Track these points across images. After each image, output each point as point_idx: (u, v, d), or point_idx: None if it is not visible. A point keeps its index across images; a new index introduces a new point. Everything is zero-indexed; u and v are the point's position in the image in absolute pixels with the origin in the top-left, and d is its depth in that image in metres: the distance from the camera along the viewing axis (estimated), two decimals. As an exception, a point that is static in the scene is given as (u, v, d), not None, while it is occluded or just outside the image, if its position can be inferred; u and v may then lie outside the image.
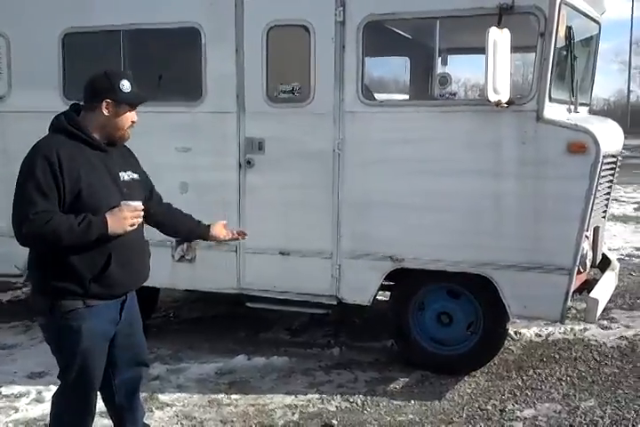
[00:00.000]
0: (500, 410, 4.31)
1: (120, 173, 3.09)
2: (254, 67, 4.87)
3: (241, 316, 6.09)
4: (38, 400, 4.48)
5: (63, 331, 3.01)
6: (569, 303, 4.42)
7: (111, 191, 3.00)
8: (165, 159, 5.09)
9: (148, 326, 5.82)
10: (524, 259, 4.43)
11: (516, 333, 5.68)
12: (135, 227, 2.98)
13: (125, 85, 3.01)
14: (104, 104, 2.99)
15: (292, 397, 4.51)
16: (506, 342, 5.48)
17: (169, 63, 5.19)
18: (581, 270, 4.52)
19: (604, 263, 5.45)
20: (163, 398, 4.50)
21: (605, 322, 6.05)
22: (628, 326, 5.97)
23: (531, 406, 4.37)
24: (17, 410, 4.33)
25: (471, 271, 4.56)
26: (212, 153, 5.05)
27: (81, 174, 2.90)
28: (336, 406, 4.37)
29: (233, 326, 5.97)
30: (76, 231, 2.83)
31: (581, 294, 4.85)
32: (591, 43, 5.44)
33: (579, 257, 4.34)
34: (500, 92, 4.16)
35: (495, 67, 4.09)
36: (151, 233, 5.13)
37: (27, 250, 5.41)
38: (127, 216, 2.93)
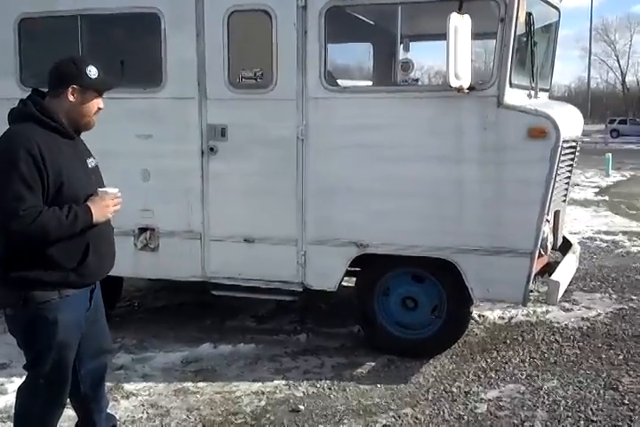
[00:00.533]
0: (465, 392, 4.37)
1: (87, 161, 3.06)
2: (215, 53, 4.82)
3: (206, 304, 6.07)
4: (1, 392, 4.41)
5: (37, 323, 2.93)
6: (531, 286, 4.49)
7: (85, 180, 2.97)
8: (126, 146, 5.04)
9: (111, 315, 5.79)
10: (486, 243, 4.48)
11: (479, 315, 5.77)
12: (114, 214, 2.99)
13: (92, 71, 2.94)
14: (70, 90, 2.91)
15: (259, 383, 4.51)
16: (470, 324, 5.58)
17: (128, 49, 5.10)
18: (542, 254, 4.59)
19: (565, 246, 5.55)
20: (128, 387, 4.47)
21: (567, 304, 6.17)
22: (589, 308, 6.10)
23: (495, 388, 4.44)
24: (-21, 402, 4.26)
25: (435, 256, 4.60)
26: (174, 140, 5.00)
27: (61, 166, 2.84)
28: (303, 392, 4.39)
29: (198, 314, 5.95)
30: (65, 225, 2.80)
31: (543, 276, 4.93)
32: (551, 29, 5.50)
33: (539, 240, 4.40)
34: (462, 77, 4.18)
35: (456, 52, 4.11)
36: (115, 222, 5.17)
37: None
38: (109, 204, 2.93)
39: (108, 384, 4.40)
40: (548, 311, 5.93)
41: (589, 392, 4.35)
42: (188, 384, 4.51)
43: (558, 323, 5.66)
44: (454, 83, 4.16)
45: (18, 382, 4.43)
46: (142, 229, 5.13)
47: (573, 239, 5.82)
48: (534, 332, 5.47)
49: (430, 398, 4.30)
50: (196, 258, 5.08)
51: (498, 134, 4.39)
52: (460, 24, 4.12)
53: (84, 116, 2.99)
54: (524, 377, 4.60)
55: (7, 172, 2.75)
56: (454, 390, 4.41)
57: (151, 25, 4.92)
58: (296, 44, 4.66)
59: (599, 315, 5.89)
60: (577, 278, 7.08)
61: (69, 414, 3.77)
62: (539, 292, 6.03)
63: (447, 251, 4.55)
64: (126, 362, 4.89)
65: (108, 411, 3.49)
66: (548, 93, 5.55)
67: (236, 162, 4.91)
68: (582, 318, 5.79)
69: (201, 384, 4.51)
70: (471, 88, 4.32)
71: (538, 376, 4.61)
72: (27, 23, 5.19)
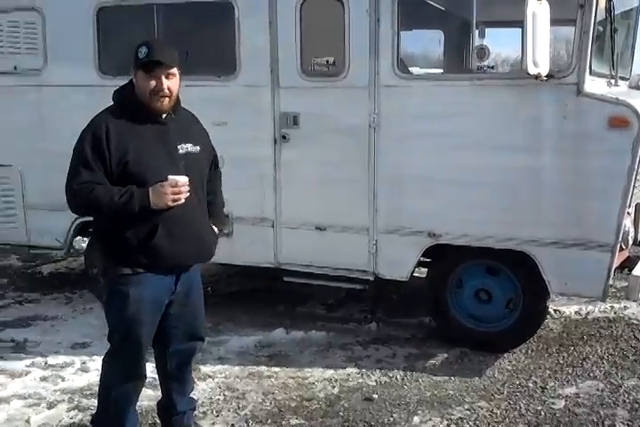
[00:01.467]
0: (542, 387, 4.28)
1: (178, 146, 3.05)
2: (288, 40, 4.80)
3: (277, 290, 6.12)
4: (83, 370, 4.57)
5: (112, 294, 3.11)
6: (610, 281, 4.34)
7: (163, 164, 2.97)
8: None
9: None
10: (564, 235, 4.34)
11: (555, 311, 5.60)
12: (179, 202, 2.95)
13: (142, 51, 2.96)
14: (132, 73, 3.03)
15: (332, 371, 4.53)
16: (545, 319, 5.44)
17: (203, 37, 5.12)
18: (623, 247, 4.42)
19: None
20: (205, 369, 4.56)
21: (647, 299, 5.94)
22: (670, 303, 5.86)
23: (572, 384, 4.33)
24: (63, 379, 4.43)
25: (511, 248, 4.49)
26: (248, 127, 5.02)
27: (129, 147, 2.92)
28: (375, 381, 4.39)
29: (270, 299, 6.00)
30: (117, 203, 2.88)
31: (622, 271, 4.75)
32: (631, 15, 5.26)
33: (620, 234, 4.24)
34: (540, 64, 4.02)
35: (534, 39, 3.95)
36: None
37: (67, 223, 5.59)
38: (167, 191, 2.91)
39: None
40: (626, 307, 5.70)
41: (672, 392, 4.20)
42: (263, 368, 4.58)
43: (637, 320, 5.44)
44: (532, 70, 4.01)
45: (98, 360, 4.61)
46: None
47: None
48: (612, 328, 5.28)
49: (505, 392, 4.23)
50: (268, 245, 5.12)
51: (577, 124, 4.22)
52: (538, 10, 3.96)
53: (144, 97, 2.99)
54: (602, 374, 4.46)
55: (74, 152, 2.99)
56: (530, 385, 4.32)
57: (225, 13, 4.92)
58: (368, 31, 4.59)
59: (681, 310, 5.66)
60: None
61: (148, 393, 3.91)
62: (616, 288, 5.82)
63: (523, 243, 4.43)
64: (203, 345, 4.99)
65: (192, 396, 3.60)
66: (627, 82, 5.31)
67: (307, 150, 4.90)
68: (663, 314, 5.58)
69: (275, 369, 4.57)
70: (549, 76, 4.17)
71: (617, 374, 4.46)
72: (104, 12, 5.28)
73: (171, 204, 2.94)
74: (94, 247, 5.36)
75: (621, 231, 4.24)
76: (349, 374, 4.48)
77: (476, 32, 4.48)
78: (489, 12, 4.79)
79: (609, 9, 4.45)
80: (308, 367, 4.59)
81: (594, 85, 4.31)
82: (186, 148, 3.07)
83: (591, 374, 4.46)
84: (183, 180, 2.94)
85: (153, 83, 2.96)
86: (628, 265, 4.72)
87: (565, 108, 4.24)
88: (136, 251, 3.01)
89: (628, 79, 5.33)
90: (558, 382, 4.36)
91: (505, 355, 4.75)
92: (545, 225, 4.38)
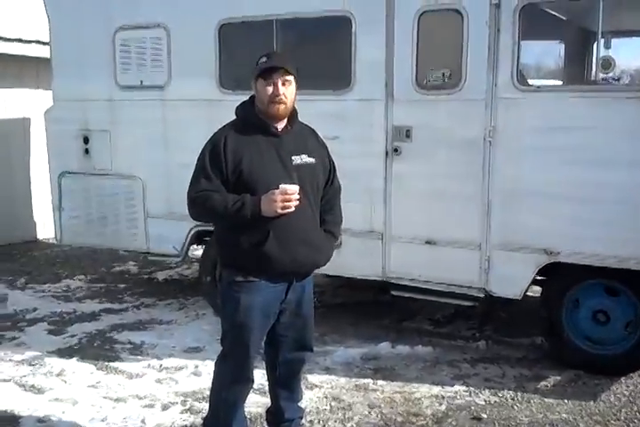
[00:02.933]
0: (660, 416, 4.06)
1: (292, 157, 3.12)
2: (404, 53, 4.80)
3: (383, 303, 6.09)
4: (195, 374, 4.71)
5: (226, 300, 3.22)
6: None
7: (276, 174, 3.05)
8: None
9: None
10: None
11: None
12: (289, 210, 3.00)
13: (262, 59, 3.09)
14: (253, 84, 3.14)
15: (439, 387, 4.46)
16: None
17: (320, 51, 5.21)
18: None
19: None
20: (312, 378, 4.58)
21: None
22: None
23: (695, 414, 4.08)
24: (177, 382, 4.58)
25: (632, 268, 4.28)
26: (360, 141, 5.04)
27: (244, 157, 3.04)
28: (484, 400, 4.28)
29: (376, 312, 5.98)
30: (231, 210, 2.99)
31: None
32: None
33: None
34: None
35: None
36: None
37: (184, 232, 5.79)
38: (277, 199, 2.96)
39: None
40: None
41: None
42: (368, 381, 4.56)
43: None
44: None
45: (210, 365, 4.72)
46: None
47: None
48: None
49: (623, 418, 4.03)
50: (377, 258, 5.10)
51: None
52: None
53: (262, 104, 3.10)
54: None
55: (196, 162, 3.15)
56: (648, 412, 4.10)
57: (342, 28, 4.99)
58: (487, 43, 4.52)
59: None
60: None
61: (264, 400, 3.97)
62: None
63: (644, 262, 4.22)
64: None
65: (299, 405, 3.63)
66: None
67: (419, 163, 4.87)
68: None
69: (380, 382, 4.54)
70: (681, 88, 3.98)
71: None
72: (226, 28, 5.46)
73: (280, 211, 2.98)
74: (210, 254, 5.54)
75: None
76: (457, 392, 4.39)
77: (602, 42, 4.31)
78: (616, 20, 4.63)
79: None
80: (415, 383, 4.53)
81: None
82: (300, 159, 3.14)
83: None
84: (293, 188, 2.99)
85: (270, 89, 3.06)
86: None
87: (694, 121, 4.03)
88: (247, 257, 3.09)
89: None
90: (682, 411, 4.11)
91: (622, 379, 4.53)
92: (670, 244, 4.16)
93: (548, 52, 5.91)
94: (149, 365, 4.85)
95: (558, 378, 4.58)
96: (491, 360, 4.91)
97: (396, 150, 4.93)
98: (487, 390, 4.41)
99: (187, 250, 5.90)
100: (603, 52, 4.33)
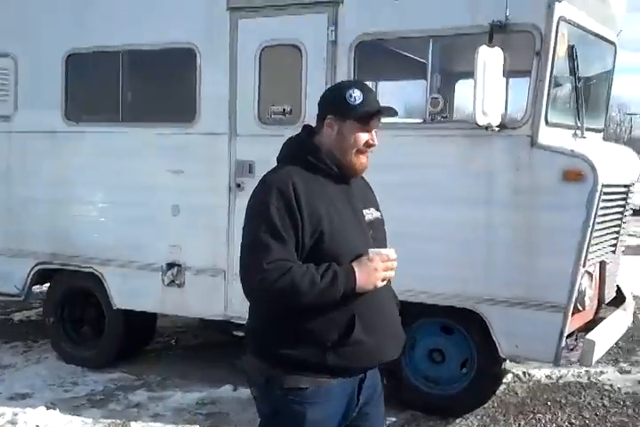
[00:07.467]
0: (484, 459, 3.98)
1: (364, 211, 2.39)
2: (247, 88, 4.77)
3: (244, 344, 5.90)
4: (11, 423, 4.39)
5: (280, 413, 2.29)
6: (563, 344, 4.07)
7: (356, 234, 2.31)
8: (158, 181, 5.02)
9: (146, 351, 5.78)
10: (515, 294, 4.12)
11: (524, 373, 5.31)
12: (386, 282, 2.31)
13: (355, 95, 2.30)
14: (327, 121, 2.34)
15: (267, 432, 4.27)
16: (512, 383, 5.16)
17: (165, 84, 5.14)
18: (580, 308, 4.17)
19: (620, 301, 5.05)
20: (135, 426, 4.35)
21: (626, 365, 5.64)
22: (650, 371, 5.51)
23: (520, 456, 4.03)
24: (-12, 430, 4.27)
25: (460, 306, 4.27)
26: (204, 176, 4.94)
27: (321, 213, 2.23)
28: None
29: (233, 353, 5.77)
30: (320, 286, 2.15)
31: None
32: (604, 64, 5.12)
33: (575, 294, 4.00)
34: (490, 114, 3.90)
35: (484, 88, 3.84)
36: (140, 255, 5.13)
37: (25, 270, 5.53)
38: (379, 268, 2.23)
39: (116, 421, 4.34)
40: (602, 373, 5.39)
41: (624, 469, 3.87)
42: (194, 428, 4.35)
43: (611, 386, 5.13)
44: (481, 120, 3.89)
45: (30, 413, 4.45)
46: (170, 265, 5.06)
47: (629, 293, 5.28)
48: (581, 394, 4.98)
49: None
50: (219, 296, 4.94)
51: (531, 176, 4.07)
52: (490, 57, 3.86)
53: (344, 153, 2.33)
54: (556, 445, 4.16)
55: (255, 218, 2.24)
56: (473, 454, 4.02)
57: (187, 60, 4.94)
58: (325, 79, 4.53)
59: (660, 379, 5.30)
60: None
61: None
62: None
63: (472, 300, 4.22)
64: (142, 400, 4.81)
65: None
66: (601, 134, 5.14)
67: (261, 199, 4.77)
68: (639, 382, 5.22)
69: (207, 429, 4.34)
70: (502, 126, 4.04)
71: (572, 445, 4.16)
72: (73, 58, 5.32)
73: (379, 284, 2.25)
74: (54, 295, 5.05)
75: (575, 291, 4.00)
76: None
77: (430, 82, 4.35)
78: (447, 61, 4.73)
79: (572, 56, 4.32)
80: (245, 427, 4.34)
81: (552, 137, 4.16)
82: (371, 214, 2.41)
83: (545, 446, 4.15)
84: (391, 253, 2.28)
85: (366, 137, 2.33)
86: (593, 327, 4.45)
87: (518, 160, 4.10)
88: (328, 351, 2.22)
89: (601, 131, 5.17)
90: (506, 453, 4.06)
91: (457, 420, 4.46)
92: (495, 282, 4.17)
93: (387, 90, 5.99)
94: (-34, 411, 4.51)
95: (394, 420, 4.48)
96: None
97: (239, 186, 4.84)
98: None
99: (29, 289, 5.60)
100: (433, 92, 4.36)
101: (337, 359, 2.21)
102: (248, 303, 2.17)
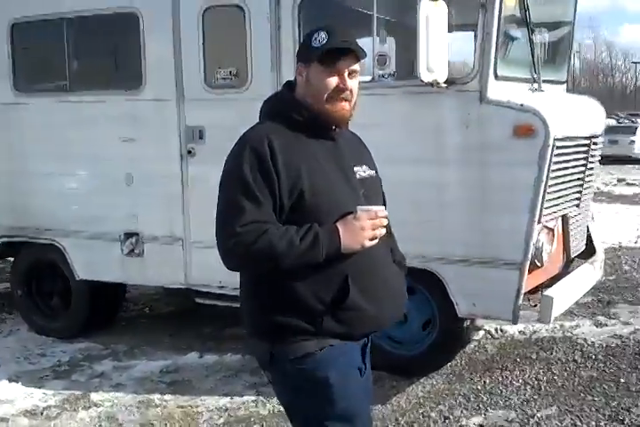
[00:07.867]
0: (445, 417, 3.97)
1: (355, 168, 2.24)
2: (191, 52, 4.61)
3: (218, 310, 5.88)
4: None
5: (301, 388, 2.14)
6: (521, 301, 4.01)
7: (343, 192, 2.17)
8: (110, 150, 4.92)
9: (118, 320, 5.76)
10: (470, 253, 4.05)
11: (496, 330, 5.27)
12: (376, 241, 2.14)
13: (319, 37, 2.12)
14: (298, 69, 2.21)
15: (227, 398, 4.28)
16: (483, 340, 5.14)
17: (111, 50, 4.99)
18: (538, 265, 4.09)
19: (591, 254, 4.98)
20: (95, 397, 4.34)
21: (602, 318, 5.57)
22: (627, 324, 5.46)
23: (481, 414, 4.01)
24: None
25: (417, 266, 4.18)
26: (155, 143, 4.83)
27: (301, 170, 2.10)
28: (269, 410, 4.11)
29: (203, 320, 5.77)
30: (299, 248, 2.03)
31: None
32: (563, 13, 4.93)
33: (530, 250, 3.92)
34: (435, 70, 3.76)
35: (428, 43, 3.69)
36: (98, 225, 5.06)
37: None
38: (365, 226, 2.08)
39: (76, 393, 4.34)
40: (577, 326, 5.34)
41: (588, 424, 3.85)
42: (155, 396, 4.34)
43: (584, 340, 5.06)
44: (426, 77, 3.75)
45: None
46: (128, 235, 5.00)
47: (600, 246, 5.19)
48: (553, 349, 4.93)
49: (403, 422, 3.93)
50: (179, 265, 4.89)
51: (481, 133, 3.95)
52: (433, 11, 3.69)
53: (317, 100, 2.16)
54: (519, 402, 4.13)
55: (228, 180, 2.13)
56: (433, 414, 4.01)
57: (131, 26, 4.76)
58: (270, 40, 4.37)
59: (635, 331, 5.24)
60: (625, 289, 6.44)
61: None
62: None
63: (428, 260, 4.15)
64: (107, 370, 4.80)
65: None
66: (564, 86, 4.98)
67: (213, 165, 4.60)
68: (614, 335, 5.15)
69: (168, 397, 4.33)
70: (450, 82, 3.90)
71: (536, 402, 4.13)
72: (18, 28, 5.16)
73: (367, 243, 2.10)
74: (20, 267, 5.00)
75: (531, 248, 3.92)
76: (245, 403, 4.21)
77: (377, 38, 4.19)
78: (391, 15, 4.55)
79: (523, 7, 4.15)
80: (205, 395, 4.33)
81: (503, 91, 4.01)
82: (363, 171, 2.27)
83: (507, 402, 4.13)
84: (380, 210, 2.13)
85: (334, 80, 2.15)
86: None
87: (468, 116, 3.97)
88: (322, 315, 2.11)
89: (563, 83, 5.01)
90: (467, 410, 4.04)
91: (422, 380, 4.45)
92: (450, 242, 4.09)
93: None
94: None
95: (357, 382, 4.46)
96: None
97: (190, 152, 4.73)
98: (275, 399, 4.24)
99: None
100: (379, 48, 4.19)
101: (334, 325, 2.11)
102: (208, 271, 2.06)
